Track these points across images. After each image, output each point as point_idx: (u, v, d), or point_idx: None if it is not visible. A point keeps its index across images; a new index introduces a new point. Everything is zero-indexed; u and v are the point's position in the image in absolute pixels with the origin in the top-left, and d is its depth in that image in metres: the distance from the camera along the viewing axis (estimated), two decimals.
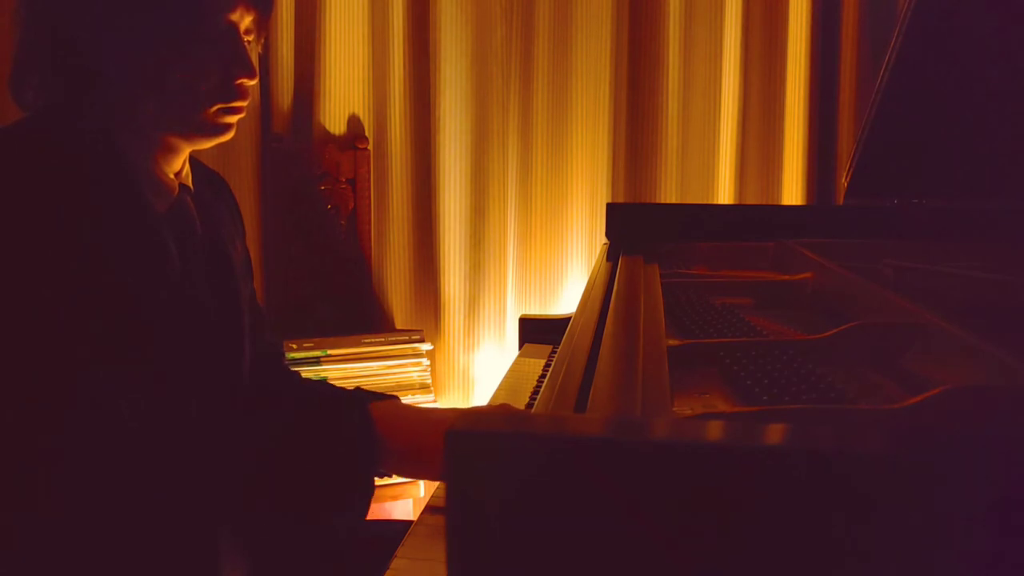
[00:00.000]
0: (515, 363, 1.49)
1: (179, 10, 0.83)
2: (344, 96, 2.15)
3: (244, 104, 0.89)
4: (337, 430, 0.85)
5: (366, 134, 2.18)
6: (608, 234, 1.51)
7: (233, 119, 0.89)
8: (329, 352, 2.00)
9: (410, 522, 0.92)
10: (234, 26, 0.87)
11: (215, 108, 0.87)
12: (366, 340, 2.07)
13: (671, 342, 0.77)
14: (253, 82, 0.88)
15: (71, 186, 0.78)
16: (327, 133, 2.15)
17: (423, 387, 2.07)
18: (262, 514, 0.85)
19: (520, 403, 1.21)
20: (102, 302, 0.78)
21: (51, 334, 0.75)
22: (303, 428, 0.86)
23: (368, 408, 0.88)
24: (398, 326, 2.24)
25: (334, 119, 2.15)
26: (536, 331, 1.59)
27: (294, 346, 1.97)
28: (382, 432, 0.86)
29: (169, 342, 0.84)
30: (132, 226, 0.83)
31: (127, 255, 0.81)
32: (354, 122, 2.18)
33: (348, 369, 2.00)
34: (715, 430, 0.45)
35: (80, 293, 0.77)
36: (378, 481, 0.86)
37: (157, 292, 0.84)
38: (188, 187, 0.94)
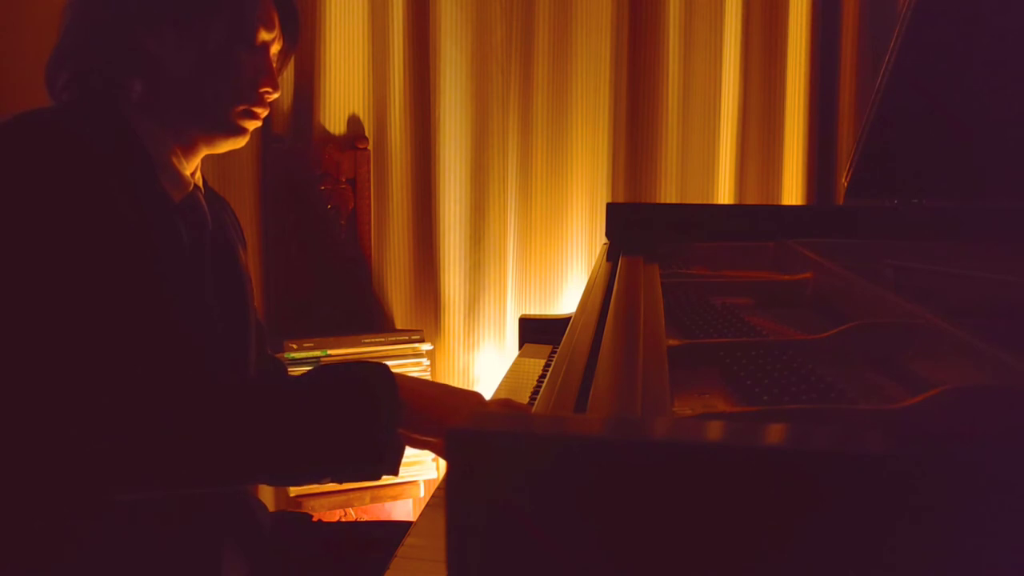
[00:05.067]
0: (515, 363, 1.49)
1: (230, 16, 0.91)
2: (344, 96, 2.15)
3: (264, 113, 0.97)
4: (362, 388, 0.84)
5: (366, 134, 2.18)
6: (608, 234, 1.51)
7: (250, 124, 0.96)
8: (329, 352, 2.00)
9: (410, 522, 0.92)
10: (267, 44, 0.96)
11: (240, 108, 0.94)
12: (366, 340, 2.07)
13: (671, 342, 0.77)
14: (275, 95, 0.97)
15: (92, 162, 0.80)
16: (327, 133, 2.15)
17: None
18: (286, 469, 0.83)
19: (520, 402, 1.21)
20: (112, 278, 0.78)
21: (59, 314, 0.75)
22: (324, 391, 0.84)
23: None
24: (398, 326, 2.24)
25: (334, 119, 2.15)
26: (536, 331, 1.59)
27: (294, 346, 1.97)
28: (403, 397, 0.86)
29: (174, 322, 0.84)
30: (148, 207, 0.85)
31: (141, 233, 0.82)
32: (354, 122, 2.18)
33: None
34: (715, 430, 0.45)
35: (90, 267, 0.77)
36: (380, 480, 0.86)
37: (165, 273, 0.85)
38: (200, 187, 0.98)
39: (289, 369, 1.21)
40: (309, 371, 0.85)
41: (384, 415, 0.81)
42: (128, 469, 0.75)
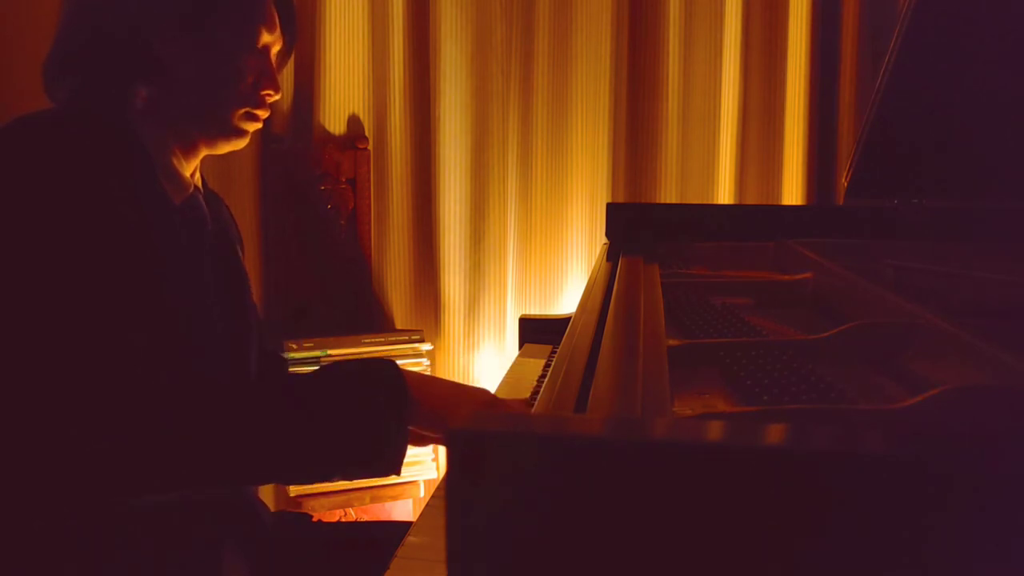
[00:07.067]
0: (515, 363, 1.49)
1: (237, 20, 0.92)
2: (344, 96, 2.15)
3: (265, 115, 0.97)
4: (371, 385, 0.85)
5: (366, 134, 2.18)
6: (608, 234, 1.51)
7: (251, 126, 0.97)
8: (329, 352, 2.00)
9: (410, 522, 0.92)
10: (268, 46, 0.97)
11: (242, 111, 0.94)
12: (366, 340, 2.07)
13: (671, 342, 0.77)
14: (276, 97, 0.98)
15: (93, 165, 0.80)
16: (327, 133, 2.15)
17: None
18: (292, 469, 0.83)
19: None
20: (113, 280, 0.77)
21: (59, 315, 0.75)
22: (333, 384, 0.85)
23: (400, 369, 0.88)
24: (398, 326, 2.24)
25: (334, 119, 2.15)
26: (536, 331, 1.59)
27: (294, 346, 1.97)
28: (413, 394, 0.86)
29: (174, 323, 0.84)
30: (148, 209, 0.85)
31: (142, 236, 0.82)
32: (354, 122, 2.18)
33: None
34: (715, 430, 0.45)
35: (91, 269, 0.76)
36: (379, 480, 0.86)
37: (166, 275, 0.85)
38: (200, 188, 0.98)
39: (290, 368, 1.20)
40: (315, 370, 0.85)
41: (393, 412, 0.82)
42: (129, 469, 0.75)
